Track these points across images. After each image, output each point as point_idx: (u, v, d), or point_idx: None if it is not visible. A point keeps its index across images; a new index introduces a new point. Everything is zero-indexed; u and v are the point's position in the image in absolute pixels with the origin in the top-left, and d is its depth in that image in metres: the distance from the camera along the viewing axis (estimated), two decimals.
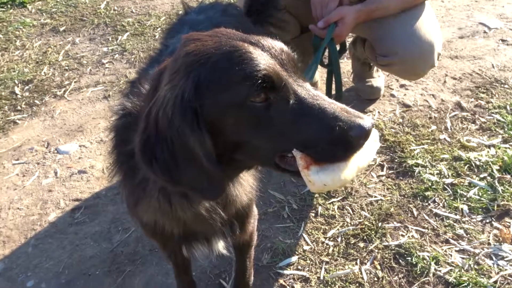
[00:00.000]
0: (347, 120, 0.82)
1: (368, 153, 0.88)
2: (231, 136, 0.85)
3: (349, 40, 2.60)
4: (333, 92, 2.11)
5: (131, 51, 3.39)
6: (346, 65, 2.90)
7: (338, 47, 2.08)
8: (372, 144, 0.90)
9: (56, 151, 2.42)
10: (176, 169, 0.82)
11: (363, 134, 0.82)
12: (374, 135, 0.90)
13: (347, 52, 2.59)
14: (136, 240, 1.86)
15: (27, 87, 3.02)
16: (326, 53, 2.05)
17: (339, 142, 0.82)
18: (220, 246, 1.20)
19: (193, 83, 0.81)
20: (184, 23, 1.52)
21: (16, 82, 3.07)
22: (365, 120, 0.83)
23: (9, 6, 4.20)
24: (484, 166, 2.05)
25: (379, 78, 2.61)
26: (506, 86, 2.62)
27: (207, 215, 1.03)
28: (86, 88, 2.99)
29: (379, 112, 2.51)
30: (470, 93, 2.59)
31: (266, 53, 0.85)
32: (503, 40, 3.09)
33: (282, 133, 0.84)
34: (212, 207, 1.03)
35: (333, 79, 2.07)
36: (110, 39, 3.58)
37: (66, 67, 3.25)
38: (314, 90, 0.88)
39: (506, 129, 2.27)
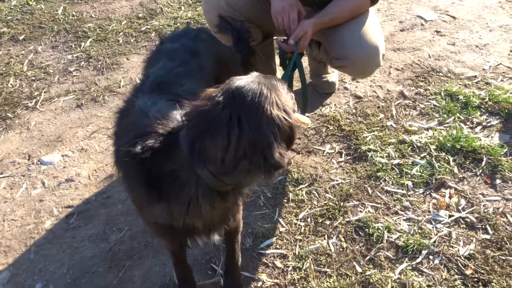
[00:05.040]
0: None
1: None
2: None
3: None
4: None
5: (96, 58, 3.49)
6: (304, 61, 3.19)
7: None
8: None
9: (39, 162, 2.56)
10: (285, 153, 1.14)
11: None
12: None
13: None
14: (131, 238, 2.08)
15: None
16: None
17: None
18: (217, 236, 1.47)
19: (285, 101, 1.18)
20: (161, 53, 1.70)
21: None
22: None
23: None
24: (424, 146, 2.42)
25: (333, 73, 2.93)
26: (440, 74, 3.01)
27: (230, 208, 1.36)
28: (57, 98, 3.09)
29: (335, 104, 2.83)
30: (411, 82, 2.97)
31: None
32: (437, 32, 3.49)
33: None
34: (234, 202, 1.35)
35: (299, 86, 2.35)
36: (73, 46, 3.66)
37: (33, 78, 3.32)
38: None
39: (440, 113, 2.66)
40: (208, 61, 1.70)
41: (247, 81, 1.17)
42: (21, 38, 3.78)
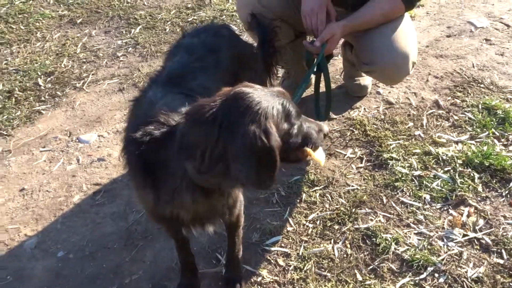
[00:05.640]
0: (320, 127, 1.39)
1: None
2: (282, 148, 1.23)
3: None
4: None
5: (143, 45, 3.67)
6: (339, 62, 3.16)
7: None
8: None
9: (78, 140, 2.76)
10: (251, 171, 1.17)
11: (327, 132, 1.42)
12: None
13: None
14: (147, 220, 2.21)
15: (49, 79, 3.33)
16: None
17: (321, 136, 1.38)
18: (211, 228, 1.54)
19: (273, 122, 1.19)
20: (180, 47, 1.78)
21: (39, 73, 3.38)
22: (325, 126, 1.42)
23: None
24: (449, 160, 2.34)
25: (366, 77, 2.88)
26: (481, 85, 2.87)
27: (216, 206, 1.40)
28: (102, 81, 3.30)
29: (364, 108, 2.79)
30: (448, 92, 2.85)
31: (291, 101, 1.29)
32: (486, 40, 3.30)
33: (300, 140, 1.32)
34: (220, 200, 1.39)
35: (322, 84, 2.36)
36: (123, 32, 3.86)
37: (84, 60, 3.56)
38: (303, 116, 1.36)
39: (474, 127, 2.54)
40: (225, 58, 1.75)
41: (250, 91, 1.21)
42: (78, 21, 4.04)
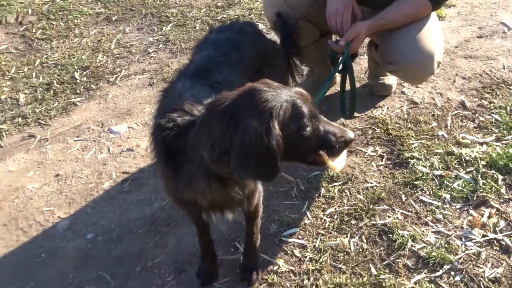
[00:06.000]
0: (343, 129, 1.38)
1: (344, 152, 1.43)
2: (289, 148, 1.27)
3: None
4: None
5: (173, 42, 3.80)
6: (364, 61, 3.17)
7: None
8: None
9: (109, 131, 2.90)
10: (249, 165, 1.23)
11: (352, 136, 1.38)
12: None
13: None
14: (171, 208, 2.31)
15: (84, 73, 3.51)
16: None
17: (342, 142, 1.36)
18: (230, 216, 1.61)
19: (278, 121, 1.23)
20: (207, 41, 1.86)
21: (76, 68, 3.57)
22: (350, 133, 1.39)
23: None
24: (472, 161, 2.32)
25: (391, 76, 2.88)
26: (511, 87, 2.81)
27: (232, 194, 1.46)
28: (134, 75, 3.44)
29: (388, 107, 2.80)
30: (475, 93, 2.82)
31: (307, 103, 1.30)
32: None
33: (315, 143, 1.33)
34: (237, 190, 1.46)
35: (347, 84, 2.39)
36: (155, 29, 4.01)
37: (118, 55, 3.72)
38: (324, 119, 1.36)
39: (501, 129, 2.51)
40: (248, 54, 1.82)
41: (264, 88, 1.26)
42: (113, 18, 4.21)
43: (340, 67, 2.25)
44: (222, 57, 1.74)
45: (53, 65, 3.61)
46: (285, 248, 2.04)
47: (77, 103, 3.20)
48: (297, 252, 2.02)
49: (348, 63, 2.24)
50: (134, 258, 2.09)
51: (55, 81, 3.39)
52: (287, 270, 1.95)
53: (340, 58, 2.21)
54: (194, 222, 1.84)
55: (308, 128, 1.29)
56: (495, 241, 1.97)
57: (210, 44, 1.81)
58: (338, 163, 1.40)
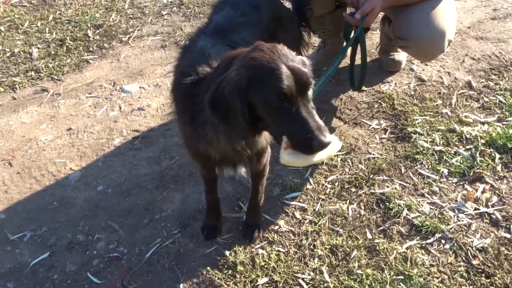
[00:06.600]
0: (316, 134, 1.26)
1: (327, 151, 1.31)
2: (258, 114, 1.33)
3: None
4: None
5: (187, 5, 3.81)
6: (376, 36, 3.20)
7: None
8: (334, 145, 1.32)
9: (121, 90, 2.97)
10: (226, 118, 1.32)
11: (319, 146, 1.27)
12: (335, 141, 1.33)
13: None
14: (179, 166, 2.40)
15: (98, 31, 3.54)
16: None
17: (305, 144, 1.28)
18: (242, 171, 1.71)
19: (248, 79, 1.27)
20: (227, 1, 1.90)
21: (89, 25, 3.60)
22: (326, 138, 1.26)
23: None
24: (472, 139, 2.39)
25: (401, 52, 2.91)
26: None
27: (240, 150, 1.55)
28: (147, 37, 3.48)
29: (395, 83, 2.84)
30: (483, 74, 2.85)
31: (293, 77, 1.26)
32: None
33: (282, 125, 1.31)
34: (243, 146, 1.54)
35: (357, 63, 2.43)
36: None
37: (131, 15, 3.74)
38: (311, 108, 1.30)
39: (503, 110, 2.56)
40: (265, 16, 1.87)
41: (265, 49, 1.30)
42: None
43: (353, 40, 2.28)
44: (241, 18, 1.79)
45: (66, 21, 3.64)
46: (287, 210, 2.15)
47: (89, 60, 3.25)
48: (297, 214, 2.13)
49: (361, 36, 2.28)
50: (142, 210, 2.20)
51: (68, 38, 3.43)
52: (287, 230, 2.06)
53: (354, 31, 2.25)
54: (205, 177, 1.93)
55: (274, 105, 1.27)
56: (486, 215, 2.07)
57: (229, 4, 1.85)
58: (293, 158, 1.30)
